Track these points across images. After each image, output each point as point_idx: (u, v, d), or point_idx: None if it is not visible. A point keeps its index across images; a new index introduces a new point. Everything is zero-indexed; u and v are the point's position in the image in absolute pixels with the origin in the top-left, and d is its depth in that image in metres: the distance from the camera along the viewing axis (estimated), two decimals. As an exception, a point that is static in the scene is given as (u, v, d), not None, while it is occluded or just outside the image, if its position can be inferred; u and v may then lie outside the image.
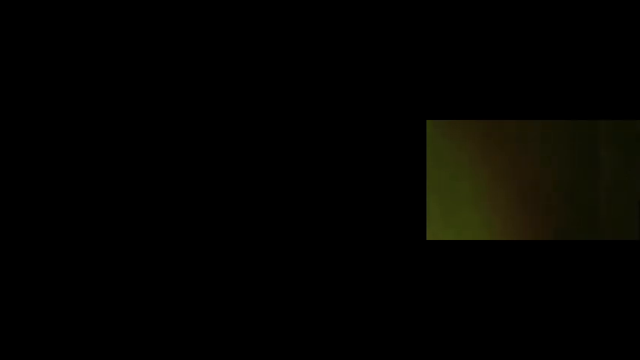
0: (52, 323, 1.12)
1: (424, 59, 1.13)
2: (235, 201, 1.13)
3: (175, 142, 1.13)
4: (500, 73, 1.13)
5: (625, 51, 1.13)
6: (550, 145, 1.18)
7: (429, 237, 1.16)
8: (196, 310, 1.12)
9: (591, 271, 1.12)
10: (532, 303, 1.12)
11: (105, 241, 1.12)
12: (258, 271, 1.13)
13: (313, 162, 1.13)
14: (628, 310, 1.12)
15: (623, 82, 1.13)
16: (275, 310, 1.12)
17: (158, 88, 1.13)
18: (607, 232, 1.18)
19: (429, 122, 1.18)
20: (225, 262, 1.13)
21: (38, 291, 1.12)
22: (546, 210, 1.17)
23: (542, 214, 1.17)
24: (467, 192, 1.17)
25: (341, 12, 1.13)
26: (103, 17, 1.13)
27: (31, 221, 1.12)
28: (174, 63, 1.14)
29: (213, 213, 1.13)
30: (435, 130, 1.17)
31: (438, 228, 1.16)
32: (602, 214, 1.19)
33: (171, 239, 1.13)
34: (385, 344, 1.12)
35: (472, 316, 1.12)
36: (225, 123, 1.13)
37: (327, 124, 1.13)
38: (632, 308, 1.12)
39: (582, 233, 1.19)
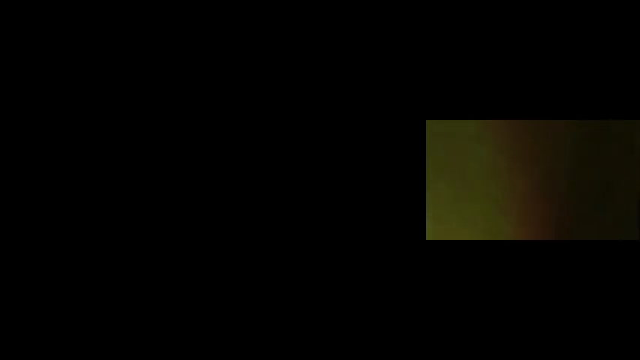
0: (52, 323, 1.12)
1: (424, 59, 1.13)
2: (234, 201, 1.13)
3: (178, 143, 1.13)
4: (500, 73, 1.13)
5: (625, 51, 1.13)
6: (556, 145, 1.18)
7: (429, 237, 1.16)
8: (196, 310, 1.12)
9: (591, 271, 1.12)
10: (532, 303, 1.12)
11: (105, 241, 1.12)
12: (257, 271, 1.13)
13: (313, 162, 1.13)
14: (628, 310, 1.12)
15: (625, 82, 1.13)
16: (275, 310, 1.12)
17: (158, 88, 1.14)
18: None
19: (428, 122, 1.18)
20: (225, 262, 1.13)
21: (38, 291, 1.12)
22: (551, 210, 1.17)
23: (548, 213, 1.17)
24: (467, 191, 1.16)
25: (341, 12, 1.13)
26: (103, 17, 1.13)
27: (31, 221, 1.12)
28: (175, 63, 1.14)
29: (214, 213, 1.13)
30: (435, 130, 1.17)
31: (438, 228, 1.16)
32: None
33: (171, 239, 1.13)
34: (385, 344, 1.12)
35: (472, 316, 1.12)
36: (225, 123, 1.13)
37: (327, 124, 1.14)
38: (632, 308, 1.12)
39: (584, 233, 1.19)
